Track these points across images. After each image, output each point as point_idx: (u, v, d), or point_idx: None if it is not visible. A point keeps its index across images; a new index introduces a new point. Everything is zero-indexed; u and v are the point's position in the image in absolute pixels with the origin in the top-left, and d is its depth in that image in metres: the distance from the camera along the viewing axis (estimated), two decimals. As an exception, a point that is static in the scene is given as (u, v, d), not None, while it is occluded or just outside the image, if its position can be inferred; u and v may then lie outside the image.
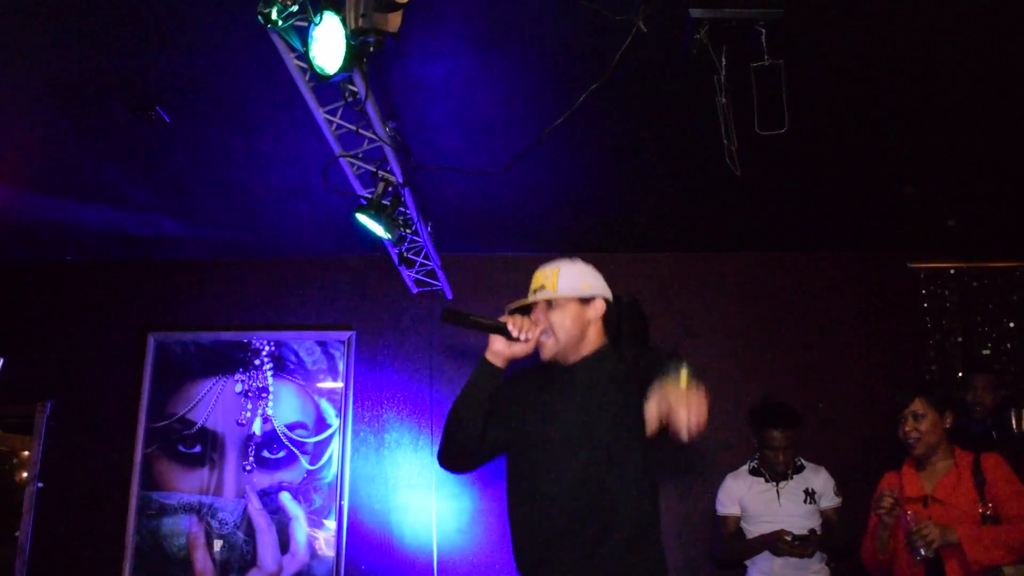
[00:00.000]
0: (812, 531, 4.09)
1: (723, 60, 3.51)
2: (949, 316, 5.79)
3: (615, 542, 2.40)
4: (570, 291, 2.61)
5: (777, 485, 4.24)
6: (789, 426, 4.24)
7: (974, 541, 3.07)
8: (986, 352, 5.73)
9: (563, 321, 2.59)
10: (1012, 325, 5.80)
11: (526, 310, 2.66)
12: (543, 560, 2.48)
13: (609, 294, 2.70)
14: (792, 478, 4.25)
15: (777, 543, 4.04)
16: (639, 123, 4.24)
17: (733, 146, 3.74)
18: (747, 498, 4.28)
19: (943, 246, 5.77)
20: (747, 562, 4.26)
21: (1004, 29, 3.50)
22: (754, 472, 4.33)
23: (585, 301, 2.63)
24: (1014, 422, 4.42)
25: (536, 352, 2.61)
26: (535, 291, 2.65)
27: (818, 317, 5.73)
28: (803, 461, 4.33)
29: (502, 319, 2.55)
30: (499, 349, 2.55)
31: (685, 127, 4.20)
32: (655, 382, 2.33)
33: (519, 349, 2.55)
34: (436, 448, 2.75)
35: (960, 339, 5.75)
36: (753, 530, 4.22)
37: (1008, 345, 5.76)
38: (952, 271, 5.85)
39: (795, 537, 4.03)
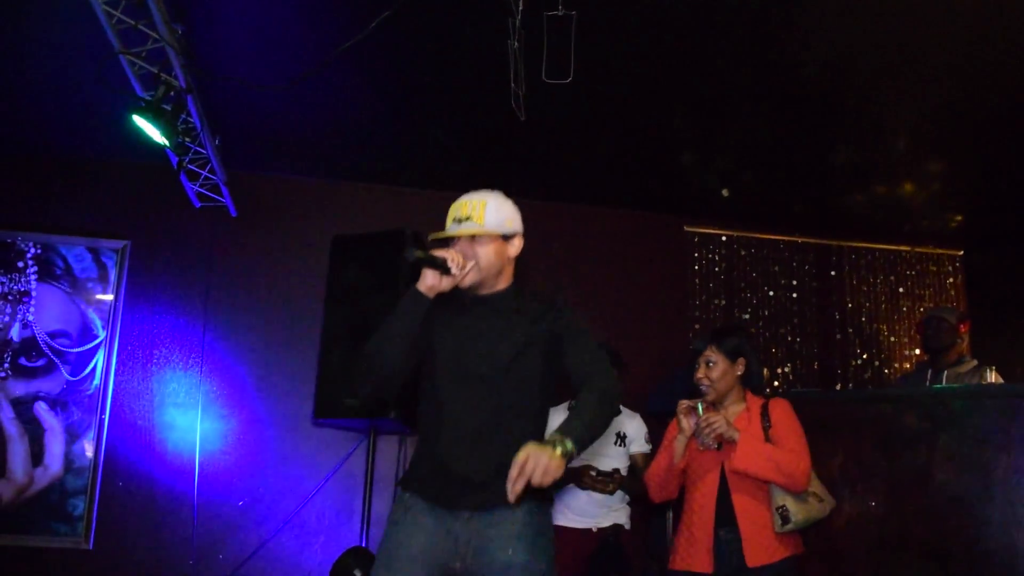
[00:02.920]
0: (616, 471, 4.27)
1: (519, 4, 3.59)
2: (716, 279, 6.17)
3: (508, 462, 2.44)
4: (496, 226, 2.66)
5: None
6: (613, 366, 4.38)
7: (748, 448, 3.26)
8: (745, 317, 6.15)
9: (487, 255, 2.65)
10: (771, 293, 6.25)
11: (446, 240, 2.68)
12: (442, 469, 2.58)
13: (522, 231, 2.77)
14: None
15: (581, 476, 4.21)
16: (431, 56, 4.26)
17: (520, 91, 3.84)
18: None
19: (717, 214, 6.13)
20: (554, 495, 4.42)
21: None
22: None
23: (507, 237, 2.70)
24: None
25: None
26: (460, 221, 2.66)
27: (600, 269, 5.97)
28: (620, 406, 4.49)
29: (439, 253, 2.58)
30: (432, 283, 2.58)
31: (476, 66, 4.25)
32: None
33: (447, 283, 2.59)
34: (354, 376, 2.85)
35: (723, 302, 6.14)
36: None
37: (765, 312, 6.21)
38: (724, 238, 6.23)
39: (599, 472, 4.21)
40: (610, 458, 4.34)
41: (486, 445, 2.55)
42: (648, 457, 4.44)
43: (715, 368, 3.47)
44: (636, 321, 5.88)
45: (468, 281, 2.64)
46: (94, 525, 5.20)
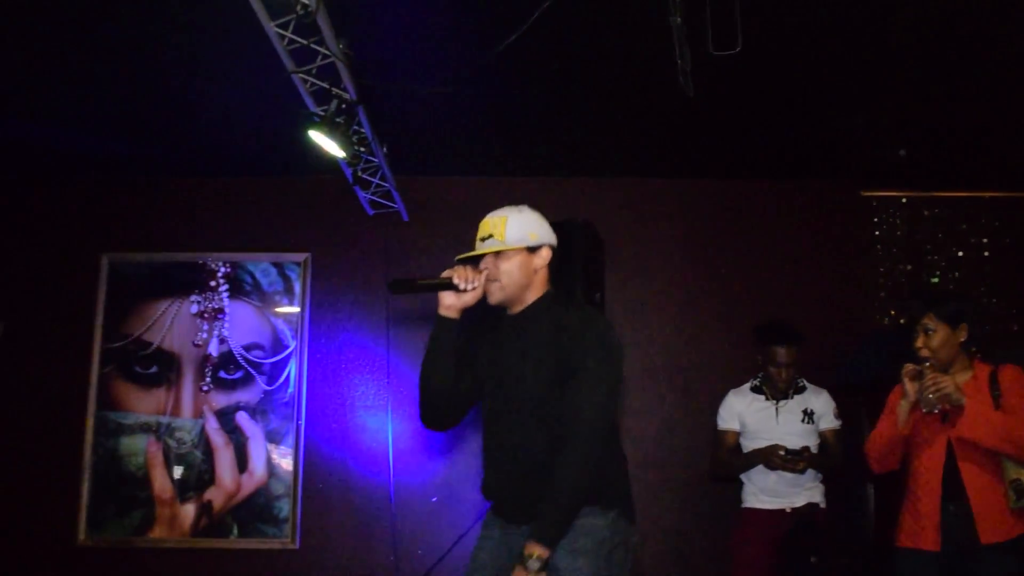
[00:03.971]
0: (806, 448, 4.18)
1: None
2: (900, 245, 5.88)
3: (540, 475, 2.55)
4: (518, 241, 2.69)
5: (776, 403, 4.33)
6: (793, 343, 4.33)
7: (976, 415, 3.09)
8: (934, 280, 5.85)
9: (511, 270, 2.68)
10: (961, 255, 5.91)
11: (475, 260, 2.73)
12: (496, 490, 2.73)
13: (554, 241, 2.78)
14: (792, 398, 4.35)
15: (770, 457, 4.15)
16: (591, 42, 4.20)
17: (686, 66, 3.76)
18: (746, 414, 4.38)
19: (895, 175, 5.84)
20: (742, 476, 4.37)
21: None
22: (755, 389, 4.43)
23: (532, 250, 2.71)
24: None
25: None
26: (483, 240, 2.72)
27: (773, 244, 5.79)
28: (805, 382, 4.43)
29: (445, 274, 2.66)
30: (450, 303, 2.67)
31: (637, 47, 4.18)
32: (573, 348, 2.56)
33: (469, 298, 2.66)
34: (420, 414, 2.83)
35: (909, 267, 5.85)
36: (750, 446, 4.33)
37: (956, 274, 5.88)
38: (904, 200, 5.93)
39: (788, 451, 4.13)
40: (797, 436, 4.24)
41: (518, 463, 2.60)
42: (838, 433, 4.31)
43: (935, 336, 3.26)
44: (816, 294, 5.67)
45: (493, 300, 2.70)
46: (299, 525, 5.45)
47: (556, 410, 2.56)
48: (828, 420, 4.35)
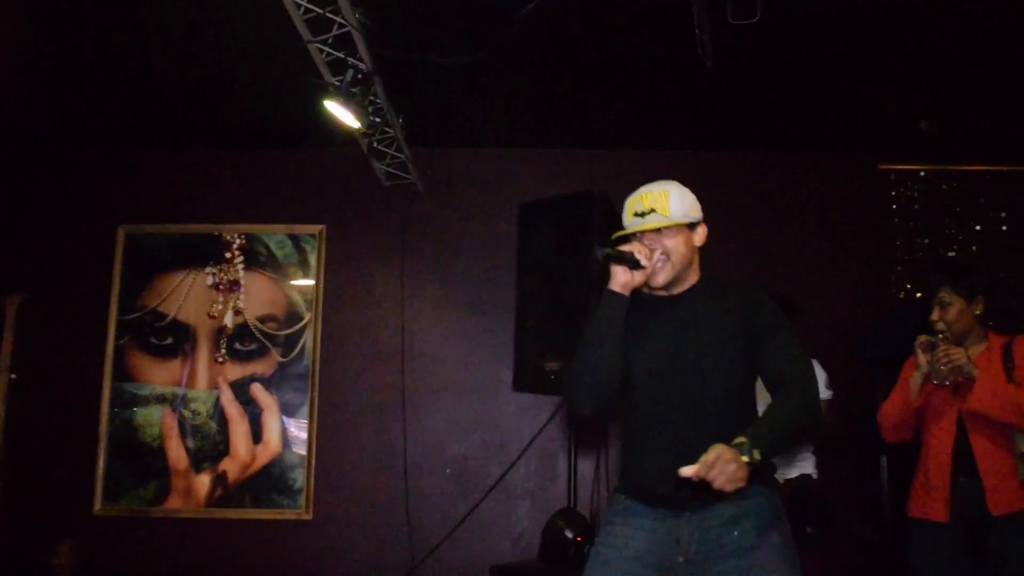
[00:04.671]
0: None
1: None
2: (917, 218, 5.84)
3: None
4: (681, 216, 2.55)
5: None
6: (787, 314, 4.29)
7: (986, 387, 3.07)
8: (951, 254, 5.80)
9: (678, 247, 2.54)
10: (979, 228, 5.86)
11: (628, 236, 2.56)
12: (652, 483, 2.50)
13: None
14: None
15: None
16: (610, 11, 4.17)
17: (705, 36, 3.73)
18: None
19: (913, 148, 5.79)
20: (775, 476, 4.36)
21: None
22: None
23: (692, 226, 2.60)
24: None
25: None
26: (643, 215, 2.54)
27: (790, 217, 5.77)
28: None
29: (625, 248, 2.48)
30: (624, 280, 2.49)
31: (657, 15, 4.14)
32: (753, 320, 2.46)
33: (640, 278, 2.50)
34: (570, 396, 2.63)
35: (927, 241, 5.81)
36: None
37: (974, 248, 5.83)
38: (922, 173, 5.88)
39: None
40: None
41: (693, 451, 2.33)
42: (830, 404, 4.30)
43: (951, 309, 3.25)
44: (833, 268, 5.65)
45: (662, 278, 2.54)
46: (312, 497, 5.47)
47: (742, 401, 2.48)
48: (821, 391, 4.32)
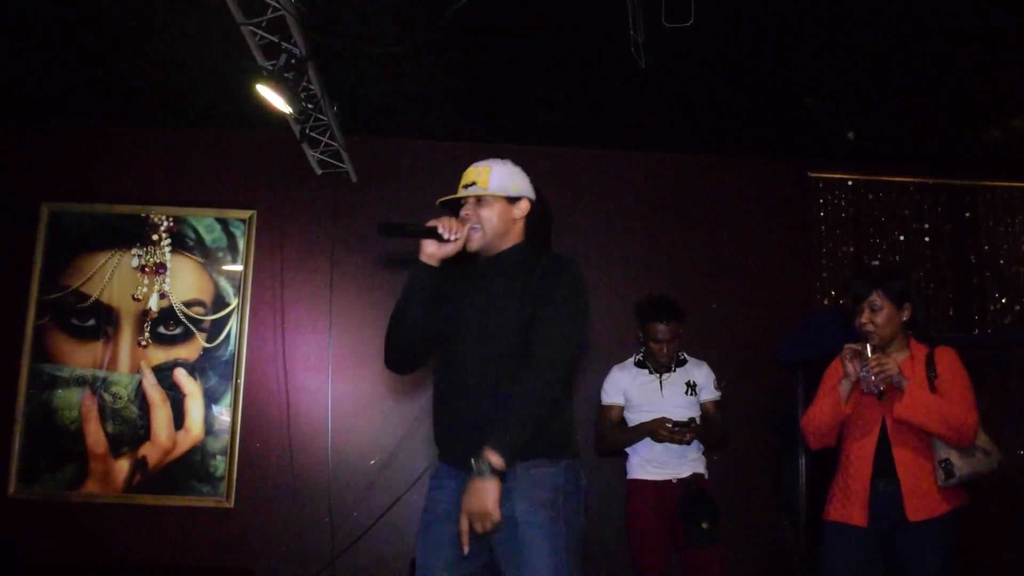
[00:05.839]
0: (692, 420, 4.26)
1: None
2: (843, 226, 5.96)
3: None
4: (499, 189, 2.76)
5: (660, 377, 4.39)
6: (672, 319, 4.37)
7: (916, 398, 3.13)
8: (875, 263, 5.94)
9: (490, 217, 2.74)
10: (902, 238, 6.01)
11: (455, 204, 2.80)
12: (452, 438, 2.67)
13: (533, 195, 2.84)
14: (675, 370, 4.41)
15: (657, 429, 4.20)
16: (545, 9, 4.19)
17: (639, 37, 3.76)
18: (631, 388, 4.42)
19: (842, 158, 5.92)
20: (628, 449, 4.42)
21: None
22: (639, 364, 4.48)
23: (512, 200, 2.78)
24: None
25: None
26: (465, 186, 2.79)
27: (719, 220, 5.85)
28: (686, 355, 4.49)
29: (431, 223, 2.68)
30: (432, 251, 2.69)
31: (592, 14, 4.16)
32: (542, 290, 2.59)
33: (450, 249, 2.69)
34: (386, 359, 2.85)
35: (852, 248, 5.94)
36: (636, 419, 4.37)
37: (896, 257, 5.98)
38: (850, 183, 6.01)
39: (675, 424, 4.19)
40: (682, 408, 4.32)
41: (479, 408, 2.57)
42: (718, 404, 4.41)
43: (880, 313, 3.30)
44: (759, 272, 5.76)
45: (474, 245, 2.73)
46: (235, 484, 5.41)
47: (521, 352, 2.55)
48: (709, 392, 4.42)
